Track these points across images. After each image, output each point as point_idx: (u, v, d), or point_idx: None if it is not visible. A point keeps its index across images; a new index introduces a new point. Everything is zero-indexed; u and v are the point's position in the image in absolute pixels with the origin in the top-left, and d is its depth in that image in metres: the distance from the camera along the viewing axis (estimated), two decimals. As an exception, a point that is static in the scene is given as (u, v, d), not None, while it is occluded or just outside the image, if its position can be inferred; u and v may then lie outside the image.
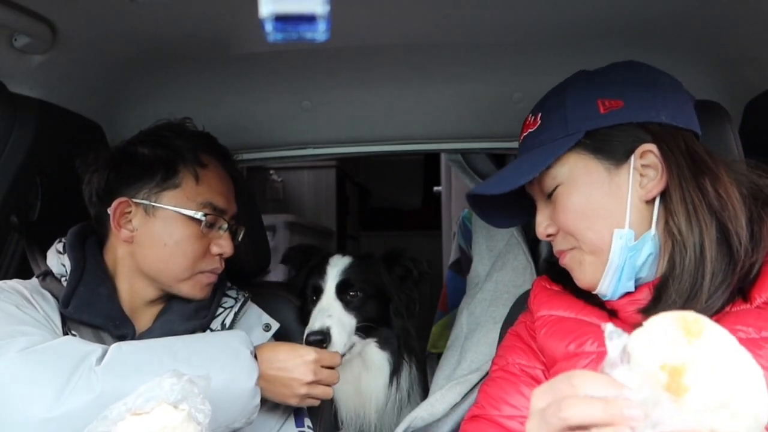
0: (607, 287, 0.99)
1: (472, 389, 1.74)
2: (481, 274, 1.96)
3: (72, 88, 1.37)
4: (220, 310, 1.27)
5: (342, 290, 1.53)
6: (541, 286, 1.14)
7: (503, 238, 1.94)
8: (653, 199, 0.96)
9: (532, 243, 1.96)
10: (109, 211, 1.17)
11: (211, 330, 1.24)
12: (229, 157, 1.30)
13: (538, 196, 1.07)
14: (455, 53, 1.40)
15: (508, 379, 1.09)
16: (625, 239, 0.95)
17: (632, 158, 0.97)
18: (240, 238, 1.31)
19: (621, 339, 0.60)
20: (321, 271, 1.56)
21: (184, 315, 1.20)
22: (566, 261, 1.04)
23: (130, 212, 1.18)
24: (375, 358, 1.59)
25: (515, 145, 1.77)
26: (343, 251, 1.68)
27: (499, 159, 2.04)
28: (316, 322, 1.45)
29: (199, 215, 1.17)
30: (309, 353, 1.17)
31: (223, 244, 1.22)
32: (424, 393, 1.75)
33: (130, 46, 1.30)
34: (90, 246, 1.22)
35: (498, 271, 1.90)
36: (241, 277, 1.51)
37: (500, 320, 1.43)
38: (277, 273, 1.95)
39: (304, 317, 1.53)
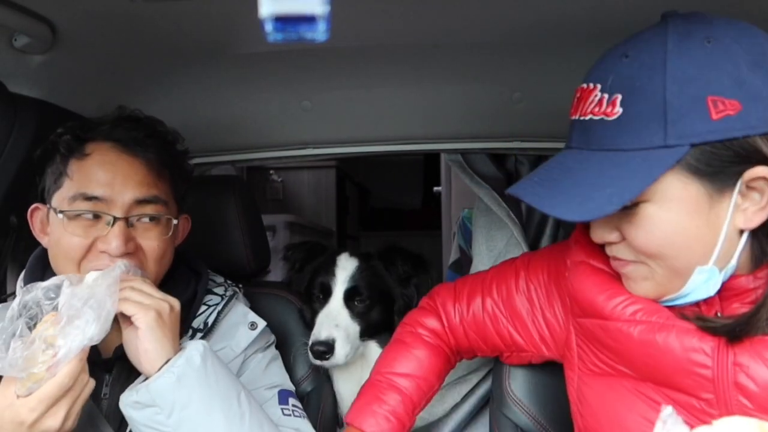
0: (664, 302, 0.90)
1: (472, 389, 1.75)
2: (481, 274, 1.96)
3: (72, 88, 1.37)
4: (204, 308, 1.23)
5: (350, 296, 1.52)
6: (585, 232, 1.01)
7: (503, 238, 1.94)
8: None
9: (532, 243, 1.96)
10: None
11: (193, 329, 1.19)
12: (138, 139, 1.13)
13: None
14: (455, 53, 1.40)
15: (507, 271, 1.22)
16: (706, 275, 0.83)
17: (739, 182, 0.78)
18: (172, 233, 1.16)
19: (676, 427, 0.58)
20: (329, 272, 1.55)
21: None
22: (626, 271, 0.90)
23: (47, 218, 1.15)
24: (377, 356, 1.59)
25: (515, 144, 1.79)
26: (348, 250, 1.66)
27: (499, 159, 2.04)
28: (323, 331, 1.44)
29: (58, 209, 1.08)
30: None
31: (108, 240, 1.06)
32: (424, 393, 1.74)
33: (130, 46, 1.30)
34: None
35: (498, 271, 1.90)
36: (241, 277, 1.50)
37: (500, 320, 1.43)
38: (276, 273, 1.95)
39: (308, 315, 1.53)
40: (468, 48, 1.38)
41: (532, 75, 1.49)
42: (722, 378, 0.82)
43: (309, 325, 1.52)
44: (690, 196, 0.79)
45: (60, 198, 1.10)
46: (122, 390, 1.07)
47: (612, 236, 0.88)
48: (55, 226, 1.10)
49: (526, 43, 1.34)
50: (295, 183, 4.77)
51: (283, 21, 0.44)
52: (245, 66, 1.45)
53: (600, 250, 0.99)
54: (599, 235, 0.90)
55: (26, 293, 0.95)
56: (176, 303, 1.05)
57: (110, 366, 1.13)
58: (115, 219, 1.07)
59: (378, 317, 1.55)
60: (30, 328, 0.92)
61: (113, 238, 1.06)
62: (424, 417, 1.66)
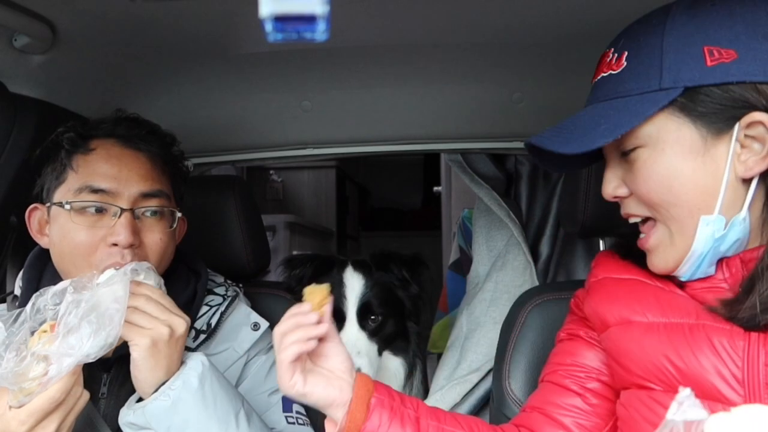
0: (685, 272, 0.88)
1: (472, 389, 1.75)
2: (481, 274, 1.96)
3: (72, 88, 1.37)
4: (206, 308, 1.23)
5: (363, 317, 1.49)
6: (608, 255, 1.05)
7: (503, 238, 1.94)
8: (751, 178, 0.82)
9: (533, 243, 1.96)
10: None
11: (195, 330, 1.18)
12: (140, 135, 1.15)
13: (609, 150, 0.92)
14: (455, 53, 1.40)
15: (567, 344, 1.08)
16: (713, 227, 0.82)
17: (736, 127, 0.80)
18: (176, 225, 1.17)
19: (692, 411, 0.56)
20: (339, 294, 1.50)
21: None
22: (650, 245, 0.91)
23: (47, 218, 1.13)
24: (390, 365, 1.56)
25: (515, 145, 1.79)
26: (350, 261, 1.60)
27: (499, 159, 2.05)
28: None
29: (64, 201, 1.07)
30: None
31: (116, 231, 1.06)
32: (424, 393, 1.74)
33: (130, 46, 1.30)
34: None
35: (498, 271, 1.90)
36: (241, 276, 1.50)
37: (500, 320, 1.43)
38: (276, 273, 1.95)
39: None
40: (468, 48, 1.38)
41: (532, 75, 1.49)
42: (752, 379, 0.80)
43: None
44: (684, 137, 0.82)
45: (64, 191, 1.10)
46: (120, 389, 1.07)
47: (621, 190, 0.91)
48: (60, 221, 1.09)
49: (526, 43, 1.34)
50: (295, 183, 4.77)
51: (283, 21, 0.44)
52: (245, 66, 1.45)
53: (622, 263, 0.99)
54: (609, 189, 0.93)
55: (39, 296, 0.93)
56: (181, 326, 1.00)
57: (109, 366, 1.12)
58: (122, 210, 1.08)
59: (392, 329, 1.53)
60: (33, 333, 0.91)
61: (122, 229, 1.06)
62: (424, 417, 1.66)
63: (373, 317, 1.50)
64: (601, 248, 1.40)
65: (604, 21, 1.21)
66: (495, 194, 1.93)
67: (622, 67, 0.86)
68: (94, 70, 1.37)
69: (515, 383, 1.29)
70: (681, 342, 0.85)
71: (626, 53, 0.86)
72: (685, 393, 0.58)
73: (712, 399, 0.82)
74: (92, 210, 1.08)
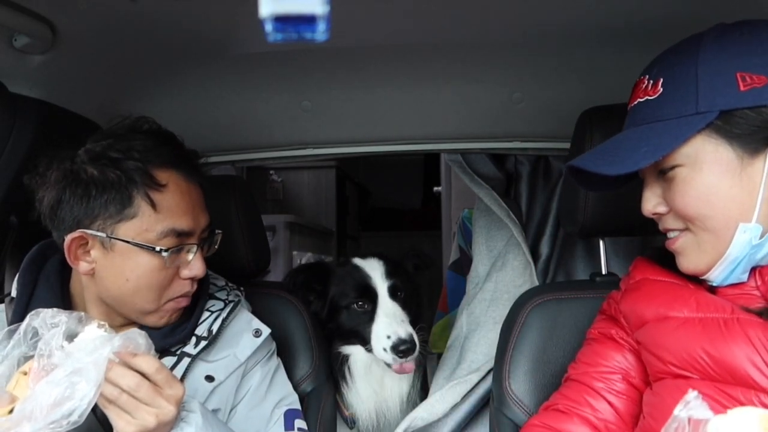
0: (716, 276, 0.93)
1: (472, 389, 1.75)
2: (481, 274, 1.96)
3: (72, 88, 1.37)
4: (207, 314, 1.22)
5: (393, 293, 1.54)
6: (644, 260, 1.10)
7: (503, 238, 1.94)
8: None
9: (533, 243, 1.96)
10: (65, 242, 1.07)
11: (197, 336, 1.18)
12: (194, 165, 1.15)
13: (648, 170, 0.97)
14: (455, 53, 1.40)
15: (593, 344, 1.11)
16: (751, 234, 0.87)
17: None
18: (217, 245, 1.22)
19: (698, 410, 0.59)
20: (364, 278, 1.56)
21: (161, 332, 1.14)
22: (676, 246, 0.96)
23: (87, 243, 1.07)
24: None
25: (515, 145, 1.79)
26: (346, 252, 1.68)
27: (499, 159, 2.05)
28: (400, 330, 1.46)
29: (159, 248, 1.06)
30: None
31: (193, 267, 1.12)
32: (424, 393, 1.75)
33: (130, 46, 1.30)
34: (50, 267, 1.16)
35: (498, 271, 1.90)
36: (241, 277, 1.50)
37: (500, 320, 1.43)
38: (276, 273, 1.95)
39: (326, 325, 1.56)
40: (468, 48, 1.38)
41: (532, 75, 1.49)
42: None
43: (331, 336, 1.55)
44: (721, 158, 0.87)
45: (139, 229, 1.06)
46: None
47: (660, 208, 0.96)
48: (135, 259, 1.06)
49: (526, 43, 1.35)
50: (295, 183, 4.77)
51: (283, 21, 0.44)
52: (245, 66, 1.45)
53: (658, 268, 1.04)
54: (649, 206, 0.98)
55: (34, 317, 0.91)
56: (169, 413, 0.93)
57: None
58: (197, 247, 1.13)
59: (413, 306, 1.60)
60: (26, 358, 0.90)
61: (199, 264, 1.13)
62: (424, 417, 1.66)
63: (400, 293, 1.57)
64: (602, 248, 1.40)
65: (604, 21, 1.22)
66: (495, 194, 1.93)
67: (659, 93, 0.92)
68: (94, 70, 1.37)
69: (515, 383, 1.29)
70: (716, 334, 0.88)
71: (662, 80, 0.92)
72: (692, 394, 0.61)
73: (745, 386, 0.85)
74: (172, 251, 1.09)
